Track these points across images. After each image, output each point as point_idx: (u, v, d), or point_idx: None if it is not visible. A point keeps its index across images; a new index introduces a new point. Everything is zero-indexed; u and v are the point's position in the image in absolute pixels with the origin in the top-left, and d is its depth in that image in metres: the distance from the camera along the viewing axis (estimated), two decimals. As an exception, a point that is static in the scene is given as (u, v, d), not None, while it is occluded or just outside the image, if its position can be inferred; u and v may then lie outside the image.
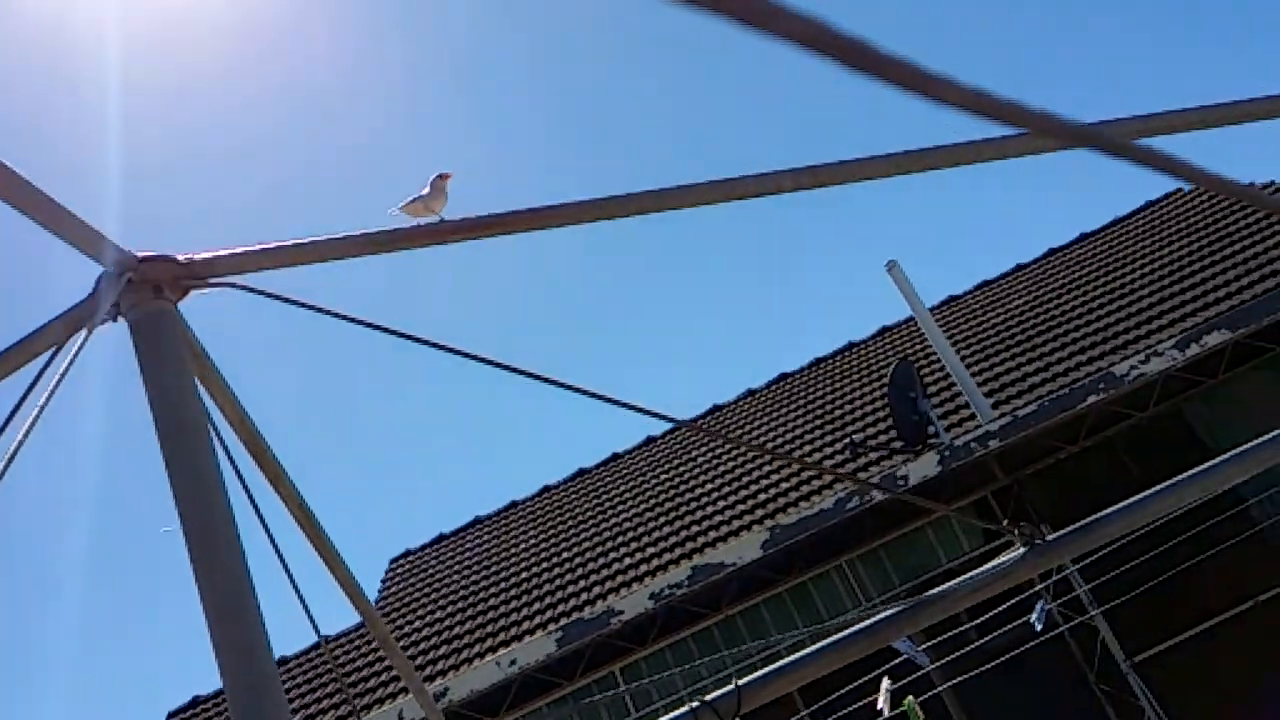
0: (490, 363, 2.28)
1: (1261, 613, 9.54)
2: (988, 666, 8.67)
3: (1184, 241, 13.64)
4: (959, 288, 16.11)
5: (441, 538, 14.97)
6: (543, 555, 12.56)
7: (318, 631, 2.59)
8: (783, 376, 15.62)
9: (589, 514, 13.25)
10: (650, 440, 15.23)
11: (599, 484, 14.30)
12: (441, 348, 1.94)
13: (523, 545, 13.22)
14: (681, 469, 13.39)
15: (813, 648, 2.87)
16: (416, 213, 2.74)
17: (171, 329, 1.55)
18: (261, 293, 1.70)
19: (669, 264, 28.43)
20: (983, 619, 8.11)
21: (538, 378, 2.41)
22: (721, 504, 11.70)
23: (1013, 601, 8.40)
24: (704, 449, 13.73)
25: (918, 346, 14.04)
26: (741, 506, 11.40)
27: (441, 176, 2.78)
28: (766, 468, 12.16)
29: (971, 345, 13.42)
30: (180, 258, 1.59)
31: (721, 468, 12.79)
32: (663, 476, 13.42)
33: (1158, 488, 2.73)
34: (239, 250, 1.65)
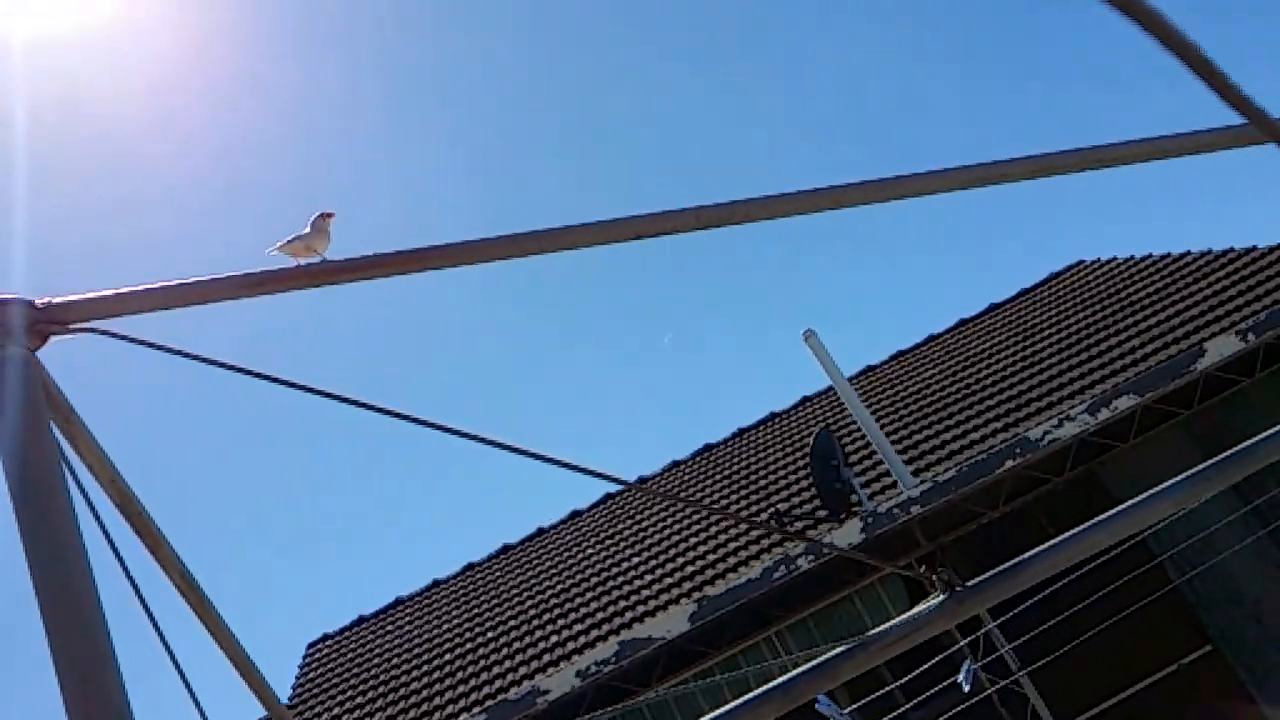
0: (401, 416, 2.21)
1: (1187, 676, 9.72)
2: (919, 733, 8.65)
3: (1089, 310, 14.10)
4: (875, 357, 16.45)
5: (361, 620, 14.57)
6: (466, 635, 12.28)
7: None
8: (707, 447, 15.66)
9: (514, 591, 13.02)
10: (576, 514, 15.10)
11: (524, 559, 14.09)
12: (341, 399, 1.87)
13: (446, 625, 12.91)
14: (608, 542, 13.27)
15: (721, 710, 2.80)
16: (296, 253, 2.61)
17: (23, 379, 1.45)
18: (131, 339, 1.63)
19: (582, 333, 28.48)
20: (908, 680, 8.10)
21: (454, 432, 2.34)
22: (648, 577, 11.59)
23: (937, 660, 8.43)
24: (630, 522, 13.64)
25: (838, 415, 14.21)
26: (669, 579, 11.31)
27: (324, 216, 2.67)
28: (693, 539, 12.11)
29: (890, 414, 13.62)
30: (38, 301, 1.51)
31: (648, 540, 12.70)
32: (589, 551, 13.28)
33: (1074, 530, 2.77)
34: (106, 293, 1.56)
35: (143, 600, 1.97)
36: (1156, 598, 9.00)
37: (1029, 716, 9.47)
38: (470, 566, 14.83)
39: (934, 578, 2.62)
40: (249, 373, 1.76)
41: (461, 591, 13.92)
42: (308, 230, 2.59)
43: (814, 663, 2.75)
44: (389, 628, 13.76)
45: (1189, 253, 14.50)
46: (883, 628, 2.73)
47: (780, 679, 2.80)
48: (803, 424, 14.80)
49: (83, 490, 1.68)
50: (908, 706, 8.72)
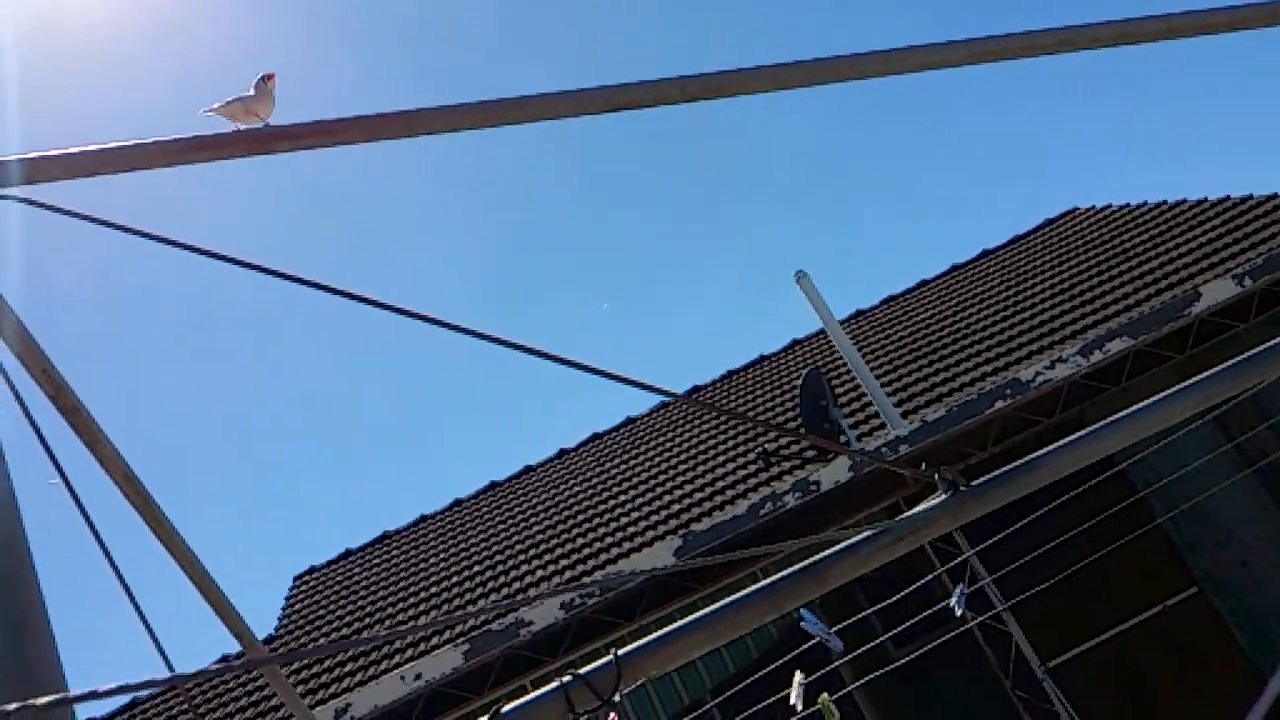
0: (387, 307, 2.11)
1: (1172, 618, 9.75)
2: (902, 663, 8.67)
3: (1082, 257, 14.00)
4: (866, 302, 16.35)
5: (348, 553, 14.56)
6: (453, 569, 12.28)
7: (167, 661, 2.34)
8: (696, 389, 15.61)
9: (501, 527, 13.01)
10: (563, 453, 15.07)
11: (511, 496, 14.08)
12: (306, 283, 1.77)
13: (432, 560, 12.91)
14: (595, 481, 13.24)
15: (703, 611, 2.67)
16: (235, 116, 2.39)
17: None
18: (52, 208, 1.50)
19: (579, 279, 28.28)
20: (885, 606, 8.09)
21: (466, 331, 2.25)
22: (635, 514, 11.57)
23: (916, 587, 8.42)
24: (618, 461, 13.61)
25: (829, 358, 14.14)
26: (655, 516, 11.29)
27: (266, 78, 2.45)
28: (681, 479, 12.08)
29: (880, 357, 13.56)
30: None
31: (636, 479, 12.68)
32: (576, 489, 13.25)
33: (1085, 431, 2.67)
34: (23, 157, 1.43)
35: (79, 503, 1.85)
36: (1141, 535, 9.01)
37: (1012, 652, 9.51)
38: (458, 503, 14.82)
39: (936, 475, 2.52)
40: (193, 249, 1.65)
41: (449, 526, 13.92)
42: (251, 92, 2.42)
43: (802, 564, 2.65)
44: (376, 561, 13.76)
45: (1184, 200, 14.38)
46: (878, 526, 2.64)
47: (766, 580, 2.71)
48: (793, 367, 14.74)
49: (5, 376, 1.55)
50: (886, 638, 8.73)
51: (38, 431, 1.98)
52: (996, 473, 2.60)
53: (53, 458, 2.04)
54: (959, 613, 7.63)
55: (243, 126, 2.17)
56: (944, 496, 2.58)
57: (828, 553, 2.60)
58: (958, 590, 7.72)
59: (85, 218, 1.73)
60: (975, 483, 2.58)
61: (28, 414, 1.92)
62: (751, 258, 28.15)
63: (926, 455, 10.03)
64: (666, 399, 15.25)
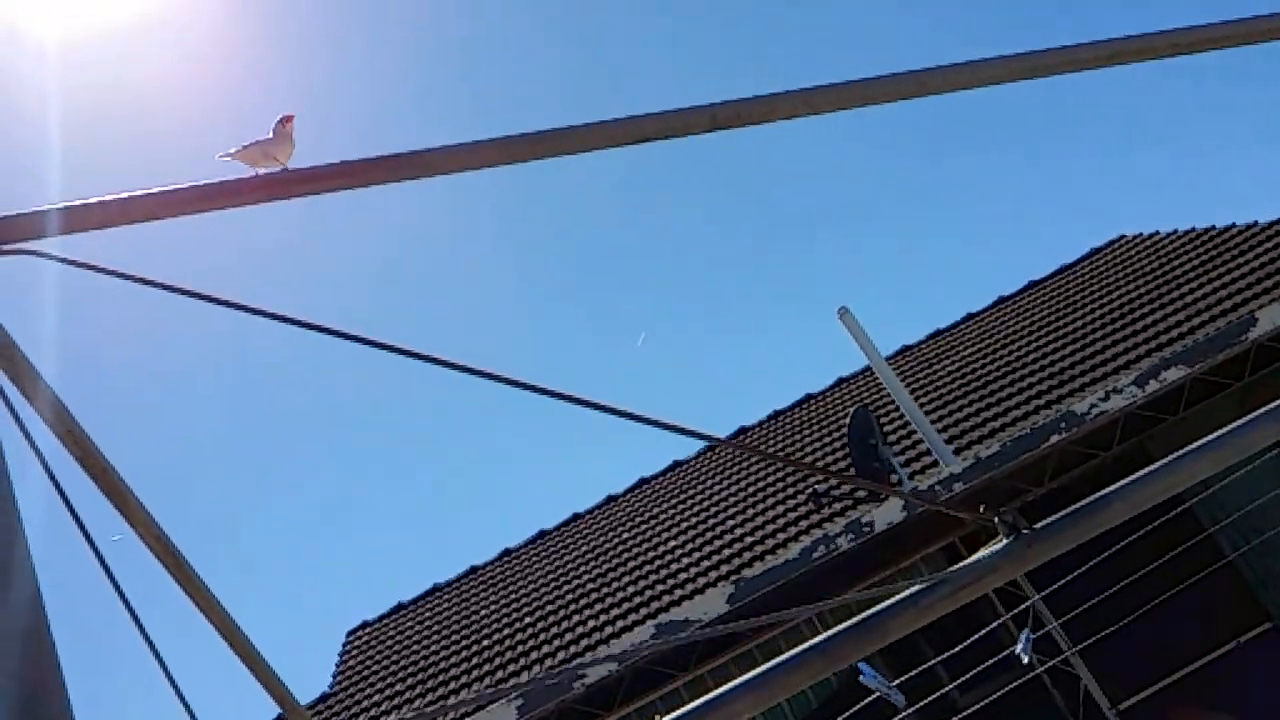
0: (436, 361, 2.06)
1: (1245, 654, 9.43)
2: (968, 712, 8.44)
3: (1132, 285, 13.77)
4: (911, 337, 16.17)
5: (400, 607, 14.53)
6: (504, 621, 12.19)
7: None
8: (742, 430, 15.48)
9: (551, 576, 12.92)
10: (611, 499, 14.97)
11: (560, 545, 13.99)
12: (342, 335, 1.72)
13: (483, 612, 12.84)
14: (644, 527, 13.13)
15: (753, 672, 2.53)
16: (253, 160, 2.31)
17: None
18: (70, 262, 1.47)
19: (611, 326, 28.19)
20: (951, 656, 7.89)
21: (508, 381, 2.19)
22: (685, 560, 11.44)
23: (982, 635, 8.22)
24: (666, 506, 13.49)
25: (875, 395, 13.97)
26: (706, 562, 11.16)
27: (284, 120, 2.38)
28: (730, 522, 11.94)
29: (929, 393, 13.38)
30: None
31: (684, 523, 12.55)
32: (624, 535, 13.15)
33: (1157, 464, 2.53)
34: (41, 209, 1.40)
35: (106, 568, 1.81)
36: (1211, 572, 8.73)
37: (1081, 695, 9.24)
38: (507, 552, 14.75)
39: (997, 519, 2.39)
40: (225, 303, 1.61)
41: (499, 577, 13.84)
42: (269, 135, 2.36)
43: (858, 619, 2.52)
44: (428, 614, 13.71)
45: (1234, 225, 14.12)
46: (936, 577, 2.51)
47: (820, 637, 2.57)
48: (840, 405, 14.58)
49: (28, 437, 1.52)
50: (952, 686, 8.52)
51: (66, 501, 1.95)
52: (1061, 514, 2.47)
53: (81, 526, 2.01)
54: (1025, 660, 7.41)
55: (261, 171, 2.11)
56: (1005, 541, 2.45)
57: (884, 605, 2.47)
58: (1023, 636, 7.51)
59: (111, 273, 1.70)
60: (1039, 525, 2.46)
61: (53, 478, 1.89)
62: (792, 295, 27.98)
63: (981, 493, 9.82)
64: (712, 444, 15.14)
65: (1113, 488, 2.45)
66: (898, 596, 2.47)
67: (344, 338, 1.96)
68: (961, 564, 2.49)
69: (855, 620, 2.45)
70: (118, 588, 1.96)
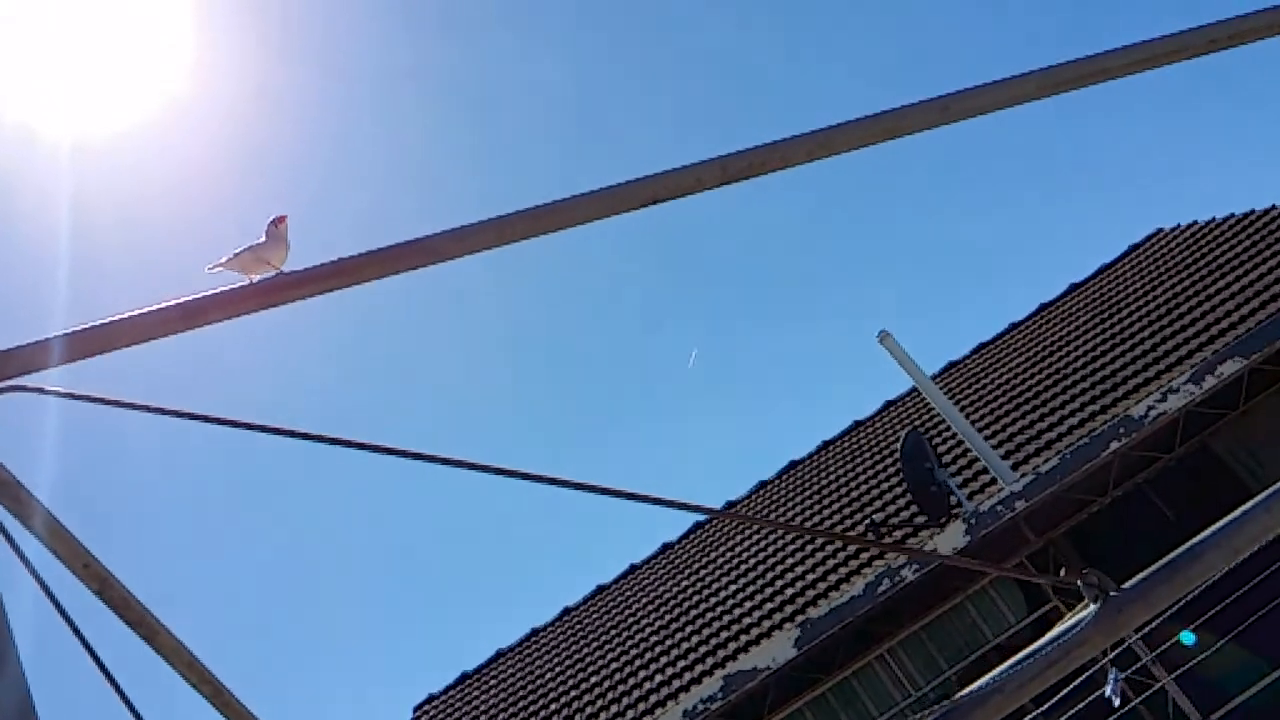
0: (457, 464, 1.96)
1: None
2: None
3: (1176, 279, 13.44)
4: (955, 353, 15.88)
5: (464, 676, 14.35)
6: (569, 683, 11.99)
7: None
8: (792, 465, 15.23)
9: (613, 632, 12.72)
10: (667, 547, 14.76)
11: (619, 598, 13.78)
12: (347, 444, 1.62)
13: (548, 675, 12.64)
14: (702, 573, 12.90)
15: None
16: (246, 268, 2.17)
17: None
18: (59, 394, 1.39)
19: (642, 362, 28.02)
20: (1046, 704, 7.57)
21: (530, 477, 2.09)
22: (748, 604, 11.20)
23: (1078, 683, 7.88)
24: (723, 550, 13.27)
25: (925, 416, 13.70)
26: (769, 605, 10.91)
27: (277, 221, 2.24)
28: (790, 560, 11.70)
29: (979, 408, 13.09)
30: None
31: (743, 566, 12.32)
32: (683, 583, 12.92)
33: (1256, 501, 2.26)
34: (28, 344, 1.34)
35: (124, 697, 1.70)
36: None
37: (1170, 711, 8.85)
38: (567, 611, 14.56)
39: (1080, 582, 2.16)
40: (210, 419, 1.51)
41: (561, 638, 13.65)
42: (262, 239, 2.23)
43: (942, 710, 2.32)
44: (493, 682, 13.53)
45: (1275, 206, 13.77)
46: (1021, 658, 2.29)
47: None
48: (889, 429, 14.32)
49: (34, 574, 1.42)
50: (1037, 713, 8.19)
51: (85, 643, 1.84)
52: (1152, 570, 2.22)
53: (104, 669, 1.90)
54: (1116, 703, 7.10)
55: (255, 278, 1.99)
56: (1093, 608, 2.21)
57: (968, 691, 2.27)
58: (1112, 676, 7.18)
59: (105, 401, 1.61)
60: (1128, 585, 2.22)
61: (66, 617, 1.79)
62: (825, 324, 27.72)
63: (1044, 509, 9.54)
64: (764, 480, 14.92)
65: (1206, 534, 2.19)
66: (982, 681, 2.26)
67: (358, 447, 1.85)
68: (1046, 638, 2.28)
69: (940, 713, 2.25)
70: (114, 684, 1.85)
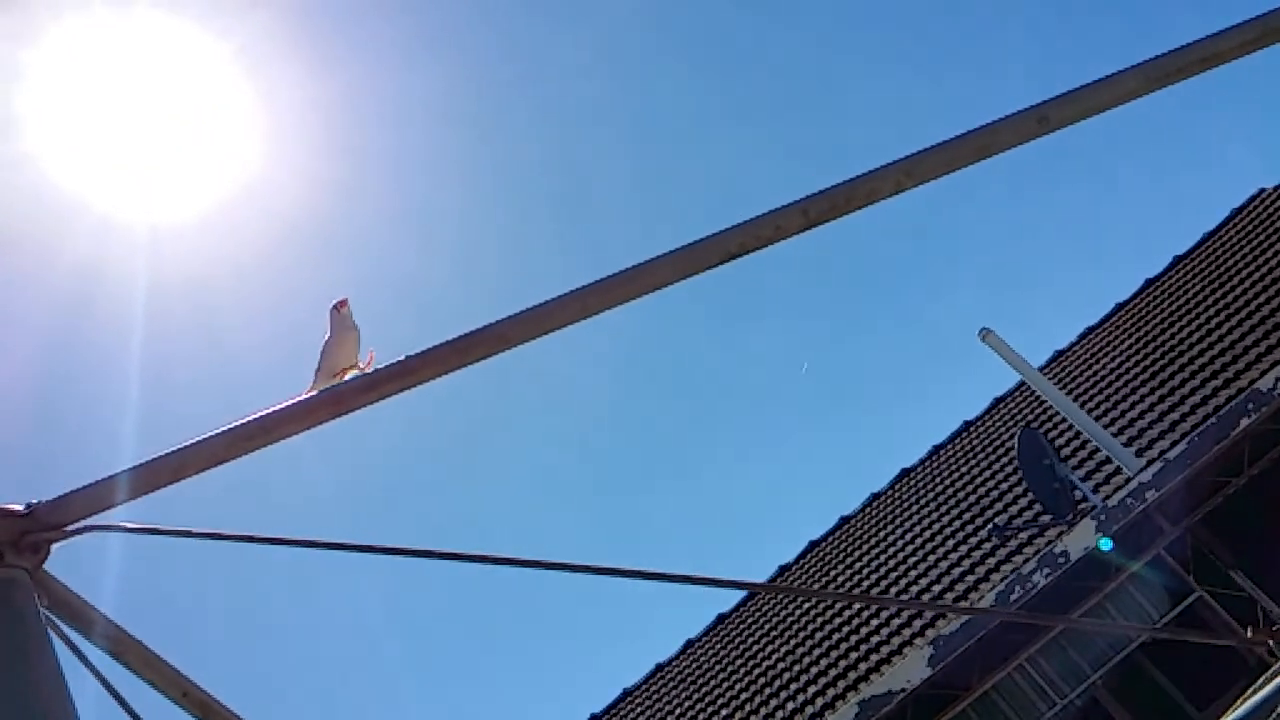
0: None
1: None
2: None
3: (1290, 238, 12.80)
4: (1060, 341, 15.34)
5: (594, 719, 14.26)
6: (700, 718, 11.80)
7: None
8: (904, 473, 14.85)
9: (738, 662, 12.50)
10: (784, 569, 14.49)
11: (741, 627, 13.55)
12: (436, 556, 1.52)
13: (677, 710, 12.47)
14: (813, 597, 12.62)
15: None
16: (331, 379, 2.01)
17: (20, 606, 1.14)
18: (136, 530, 1.32)
19: (732, 424, 27.51)
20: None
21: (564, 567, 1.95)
22: (875, 622, 10.89)
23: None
24: (841, 568, 12.96)
25: (1038, 411, 13.24)
26: (897, 621, 10.59)
27: (339, 306, 2.11)
28: (913, 573, 11.36)
29: (1094, 396, 12.59)
30: (17, 508, 1.21)
31: (866, 583, 12.00)
32: (806, 606, 12.65)
33: None
34: (102, 481, 1.27)
35: None
36: None
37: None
38: (690, 644, 14.38)
39: (1271, 645, 1.91)
40: (278, 541, 1.43)
41: (685, 672, 13.47)
42: (328, 334, 2.09)
43: None
44: (621, 722, 13.42)
45: (1388, 150, 13.04)
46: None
47: None
48: (1001, 427, 13.87)
49: (128, 709, 1.35)
50: None
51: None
52: None
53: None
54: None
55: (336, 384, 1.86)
56: None
57: None
58: None
59: (167, 533, 1.56)
60: None
61: None
62: (918, 327, 27.06)
63: (1177, 496, 9.08)
64: (877, 491, 14.58)
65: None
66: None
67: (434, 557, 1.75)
68: (1244, 708, 2.04)
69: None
70: None
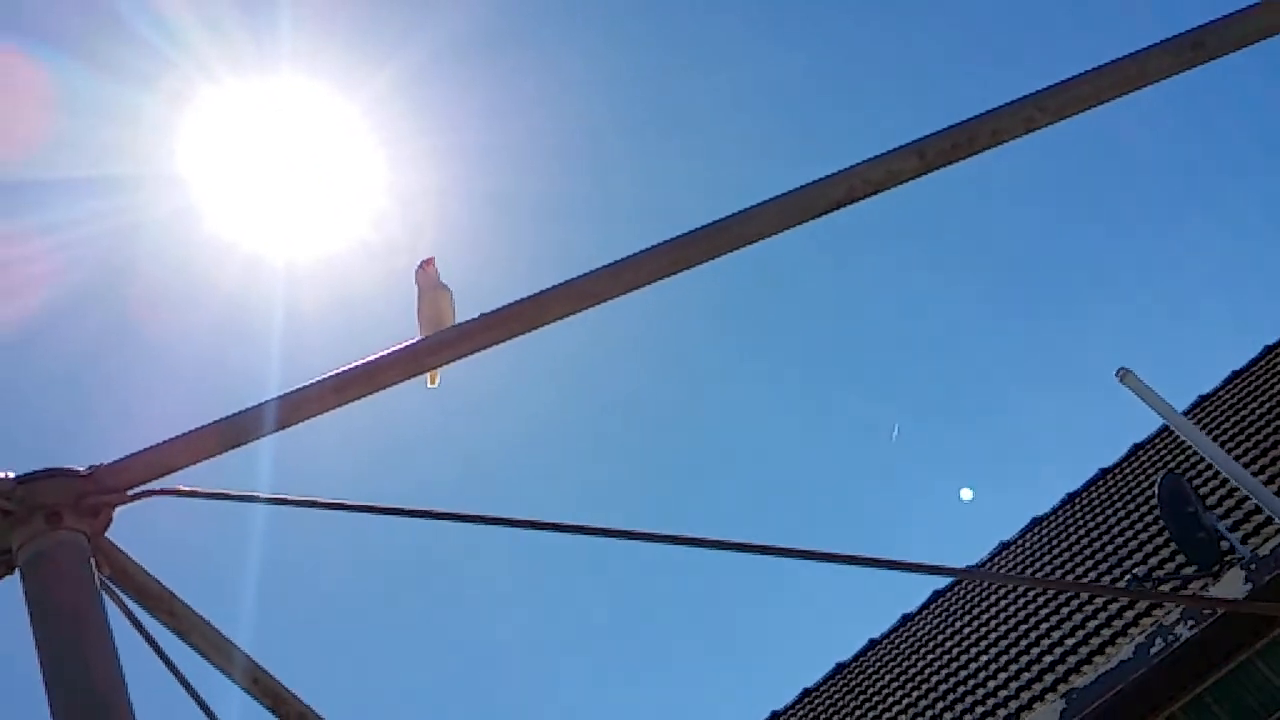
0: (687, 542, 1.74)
1: None
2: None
3: None
4: (1203, 386, 14.53)
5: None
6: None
7: None
8: (1035, 522, 14.24)
9: (857, 713, 12.08)
10: (907, 619, 14.00)
11: (860, 676, 13.12)
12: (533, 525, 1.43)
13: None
14: (948, 644, 12.13)
15: None
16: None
17: (76, 569, 1.07)
18: (203, 494, 1.26)
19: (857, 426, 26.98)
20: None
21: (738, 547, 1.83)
22: (1003, 676, 10.39)
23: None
24: (967, 618, 12.45)
25: (1180, 457, 12.56)
26: (1026, 675, 10.07)
27: (424, 266, 2.09)
28: (1044, 625, 10.81)
29: (1242, 442, 11.89)
30: (81, 469, 1.15)
31: (992, 635, 11.49)
32: (928, 656, 12.17)
33: None
34: (166, 443, 1.22)
35: None
36: None
37: None
38: (806, 692, 13.99)
39: None
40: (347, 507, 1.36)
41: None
42: (418, 297, 2.04)
43: None
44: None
45: None
46: None
47: None
48: (1140, 474, 13.20)
49: (189, 689, 1.29)
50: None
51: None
52: None
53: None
54: None
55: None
56: None
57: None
58: None
59: (254, 499, 1.49)
60: None
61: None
62: (1043, 368, 26.02)
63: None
64: (1006, 541, 14.03)
65: None
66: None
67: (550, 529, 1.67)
68: None
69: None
70: None
